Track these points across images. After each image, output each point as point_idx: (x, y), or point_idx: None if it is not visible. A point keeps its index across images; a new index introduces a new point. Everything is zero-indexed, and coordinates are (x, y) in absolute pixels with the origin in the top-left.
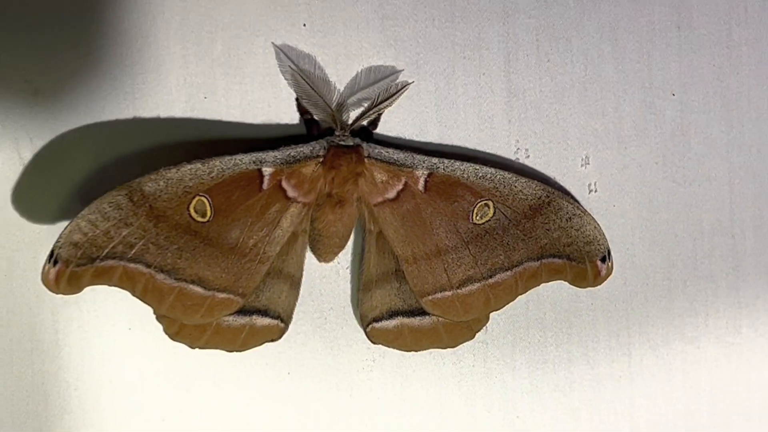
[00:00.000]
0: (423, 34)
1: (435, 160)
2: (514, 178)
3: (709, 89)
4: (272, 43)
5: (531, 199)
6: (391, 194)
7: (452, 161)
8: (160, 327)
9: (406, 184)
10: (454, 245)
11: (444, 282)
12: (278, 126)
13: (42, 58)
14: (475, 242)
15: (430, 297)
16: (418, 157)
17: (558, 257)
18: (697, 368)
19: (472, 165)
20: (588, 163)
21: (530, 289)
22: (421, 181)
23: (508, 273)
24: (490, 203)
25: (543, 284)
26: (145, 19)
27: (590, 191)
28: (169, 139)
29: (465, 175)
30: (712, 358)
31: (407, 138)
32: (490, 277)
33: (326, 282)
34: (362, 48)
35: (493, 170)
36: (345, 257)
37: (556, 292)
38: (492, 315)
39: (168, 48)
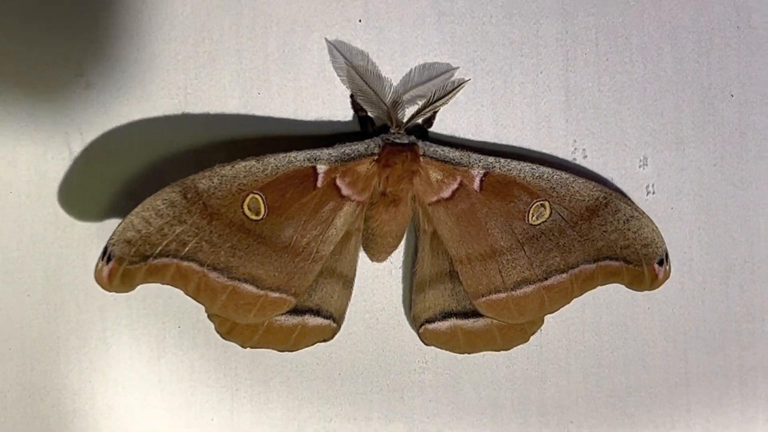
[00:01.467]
0: (480, 32)
1: (491, 159)
2: (571, 179)
3: None
4: (326, 39)
5: (588, 200)
6: (446, 193)
7: (508, 160)
8: (210, 327)
9: (461, 183)
10: (509, 246)
11: (498, 283)
12: (332, 123)
13: (94, 53)
14: (531, 243)
15: (484, 298)
16: (474, 155)
17: (615, 260)
18: (754, 375)
19: (529, 164)
20: (646, 164)
21: (586, 291)
22: (477, 181)
23: (564, 275)
24: (547, 204)
25: (599, 287)
26: (199, 14)
27: (648, 193)
28: (221, 136)
29: (521, 175)
30: None
31: (463, 137)
32: (546, 279)
33: (378, 282)
34: (418, 45)
35: (549, 170)
36: (398, 257)
37: (612, 295)
38: (547, 318)
39: (222, 43)
